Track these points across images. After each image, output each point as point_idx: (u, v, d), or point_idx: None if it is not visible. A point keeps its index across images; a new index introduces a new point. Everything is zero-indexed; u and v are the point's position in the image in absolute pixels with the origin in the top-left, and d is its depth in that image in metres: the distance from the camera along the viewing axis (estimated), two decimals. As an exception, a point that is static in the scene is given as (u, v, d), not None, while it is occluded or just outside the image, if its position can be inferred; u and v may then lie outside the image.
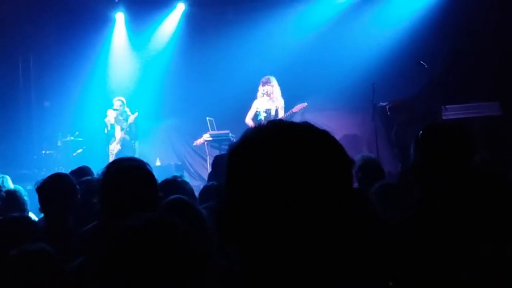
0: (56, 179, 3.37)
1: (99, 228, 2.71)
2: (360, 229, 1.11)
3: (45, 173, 9.00)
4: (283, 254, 1.04)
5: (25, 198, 4.53)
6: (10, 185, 5.22)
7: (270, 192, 1.03)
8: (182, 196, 2.89)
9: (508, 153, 5.80)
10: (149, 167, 2.49)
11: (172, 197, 2.83)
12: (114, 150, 9.40)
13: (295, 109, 8.42)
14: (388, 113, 7.98)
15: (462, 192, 2.08)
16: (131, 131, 9.42)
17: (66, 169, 9.18)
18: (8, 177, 5.40)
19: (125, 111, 9.46)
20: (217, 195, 3.73)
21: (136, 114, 9.31)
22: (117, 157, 8.88)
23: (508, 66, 8.12)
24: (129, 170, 2.43)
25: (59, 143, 9.99)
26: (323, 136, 1.09)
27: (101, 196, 2.42)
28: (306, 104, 8.42)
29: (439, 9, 8.79)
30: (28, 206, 4.51)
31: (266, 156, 1.05)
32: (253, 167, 1.05)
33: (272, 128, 1.10)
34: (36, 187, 3.45)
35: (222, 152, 8.21)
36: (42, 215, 3.67)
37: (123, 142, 9.36)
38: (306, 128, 1.10)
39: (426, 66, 7.66)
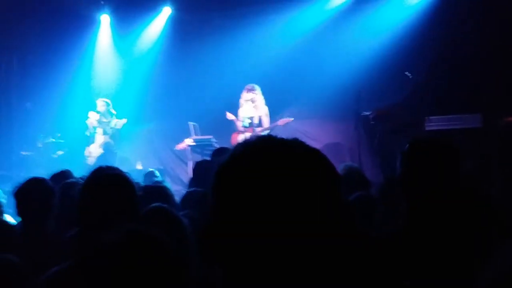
0: (34, 183, 3.31)
1: (78, 236, 2.66)
2: (350, 244, 1.09)
3: (24, 175, 8.89)
4: (274, 274, 1.01)
5: (1, 200, 4.43)
6: None
7: (260, 211, 1.01)
8: (163, 205, 2.85)
9: (488, 165, 5.85)
10: (130, 179, 2.46)
11: (153, 205, 2.80)
12: (94, 153, 9.30)
13: (280, 122, 8.44)
14: (372, 122, 8.01)
15: (446, 207, 2.08)
16: (115, 136, 9.34)
17: (46, 171, 9.06)
18: None
19: (111, 112, 9.38)
20: (200, 204, 3.69)
21: (125, 120, 9.24)
22: (98, 161, 8.88)
23: (490, 78, 8.20)
24: (109, 181, 2.41)
25: (39, 145, 9.88)
26: (314, 154, 1.07)
27: (80, 205, 2.39)
28: (293, 119, 8.45)
29: (424, 19, 8.84)
30: (5, 208, 4.42)
31: (256, 174, 1.03)
32: (243, 186, 1.03)
33: (262, 145, 1.08)
34: (13, 191, 3.38)
35: (205, 158, 8.17)
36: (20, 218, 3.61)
37: (105, 146, 9.27)
38: (297, 146, 1.08)
39: (410, 76, 7.71)
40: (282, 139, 1.10)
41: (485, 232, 2.10)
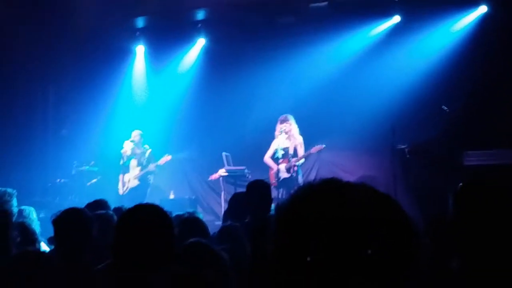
0: (73, 213, 3.30)
1: (107, 270, 2.64)
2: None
3: (58, 202, 9.01)
4: None
5: (36, 228, 4.43)
6: (34, 216, 5.09)
7: (323, 259, 0.95)
8: (202, 240, 2.81)
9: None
10: (169, 218, 2.46)
11: (191, 240, 2.75)
12: (128, 183, 9.35)
13: (313, 150, 8.35)
14: (408, 156, 7.88)
15: (505, 253, 1.98)
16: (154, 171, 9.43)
17: (79, 199, 9.17)
18: (33, 209, 5.25)
19: (143, 145, 9.48)
20: (237, 238, 3.64)
21: (169, 157, 9.30)
22: (131, 193, 8.92)
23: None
24: (148, 221, 2.41)
25: (73, 172, 9.99)
26: (385, 201, 1.01)
27: (115, 241, 2.38)
28: (324, 146, 8.35)
29: (461, 51, 8.75)
30: (39, 235, 4.41)
31: (321, 220, 0.97)
32: (308, 231, 0.97)
33: (327, 189, 1.01)
34: (52, 219, 3.38)
35: (238, 188, 8.14)
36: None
37: (142, 177, 9.34)
38: (364, 190, 1.01)
39: (447, 110, 7.59)
40: (348, 183, 1.03)
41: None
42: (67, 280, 2.94)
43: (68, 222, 3.20)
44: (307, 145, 8.58)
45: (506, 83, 8.33)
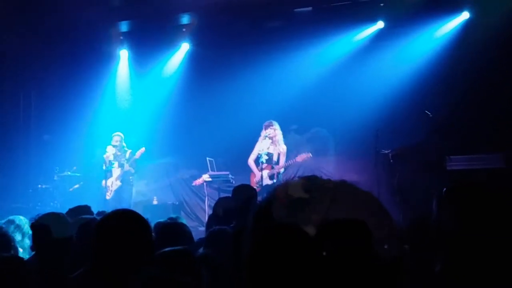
0: (52, 217, 3.24)
1: (90, 273, 2.60)
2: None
3: (40, 208, 8.89)
4: None
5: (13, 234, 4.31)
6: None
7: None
8: (182, 247, 2.78)
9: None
10: (146, 223, 2.46)
11: (173, 249, 2.72)
12: (111, 186, 9.26)
13: (298, 159, 8.32)
14: (391, 160, 7.90)
15: (490, 256, 1.97)
16: (133, 167, 9.31)
17: (61, 204, 9.07)
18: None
19: (123, 147, 9.39)
20: (224, 244, 3.60)
21: (143, 149, 9.21)
22: (117, 194, 8.86)
23: None
24: (125, 225, 2.41)
25: (55, 178, 9.87)
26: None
27: (94, 245, 2.37)
28: (310, 155, 8.33)
29: (446, 57, 8.83)
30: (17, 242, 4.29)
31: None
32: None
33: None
34: (30, 223, 3.33)
35: (222, 194, 8.10)
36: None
37: (123, 178, 9.24)
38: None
39: (431, 115, 7.63)
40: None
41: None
42: (46, 286, 2.88)
43: (46, 227, 3.14)
44: (292, 150, 8.57)
45: (488, 88, 8.40)
